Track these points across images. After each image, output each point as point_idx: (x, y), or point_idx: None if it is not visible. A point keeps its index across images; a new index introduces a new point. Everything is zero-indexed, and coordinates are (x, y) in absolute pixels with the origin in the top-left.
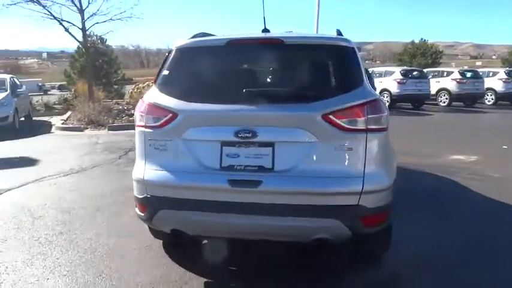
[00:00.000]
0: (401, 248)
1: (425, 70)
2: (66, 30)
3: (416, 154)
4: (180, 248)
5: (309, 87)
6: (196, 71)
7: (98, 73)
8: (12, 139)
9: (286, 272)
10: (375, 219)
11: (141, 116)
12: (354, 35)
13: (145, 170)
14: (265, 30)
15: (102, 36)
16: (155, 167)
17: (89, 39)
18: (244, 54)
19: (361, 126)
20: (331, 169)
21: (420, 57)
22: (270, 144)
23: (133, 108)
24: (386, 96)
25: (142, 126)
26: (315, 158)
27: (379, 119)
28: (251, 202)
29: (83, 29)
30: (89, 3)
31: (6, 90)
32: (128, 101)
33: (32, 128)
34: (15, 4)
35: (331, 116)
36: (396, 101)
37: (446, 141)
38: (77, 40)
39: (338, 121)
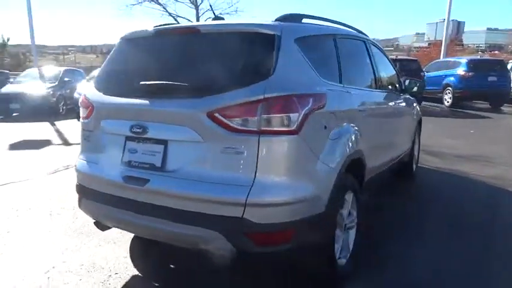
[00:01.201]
0: None
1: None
2: (170, 14)
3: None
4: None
5: (207, 80)
6: (120, 63)
7: None
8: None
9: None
10: (266, 238)
11: (80, 107)
12: None
13: (77, 159)
14: (216, 18)
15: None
16: (82, 156)
17: None
18: (162, 45)
19: (252, 127)
20: (215, 174)
21: None
22: (163, 142)
23: None
24: (449, 93)
25: (81, 117)
26: (200, 160)
27: (280, 120)
28: (141, 201)
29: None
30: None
31: (55, 82)
32: None
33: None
34: (138, 4)
35: (216, 114)
36: (460, 99)
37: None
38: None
39: (225, 120)
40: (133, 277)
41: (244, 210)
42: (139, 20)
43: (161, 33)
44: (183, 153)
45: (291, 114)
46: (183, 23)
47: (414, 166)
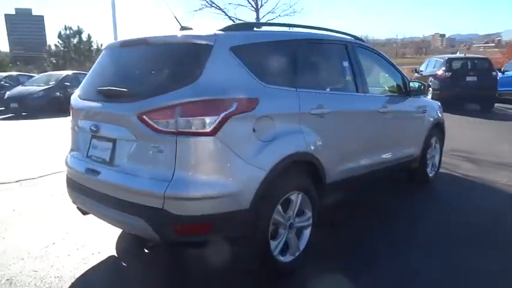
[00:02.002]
0: None
1: None
2: (230, 18)
3: None
4: None
5: (144, 86)
6: (96, 69)
7: None
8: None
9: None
10: (185, 229)
11: None
12: None
13: (67, 154)
14: (183, 28)
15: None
16: (69, 151)
17: None
18: (121, 55)
19: (171, 128)
20: (145, 169)
21: None
22: (112, 140)
23: None
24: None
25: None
26: (135, 156)
27: (195, 122)
28: (97, 191)
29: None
30: (262, 3)
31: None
32: None
33: None
34: (200, 10)
35: (145, 116)
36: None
37: None
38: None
39: (150, 122)
40: (110, 256)
41: (163, 203)
42: (207, 23)
43: (123, 44)
44: (124, 150)
45: (206, 118)
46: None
47: (432, 173)
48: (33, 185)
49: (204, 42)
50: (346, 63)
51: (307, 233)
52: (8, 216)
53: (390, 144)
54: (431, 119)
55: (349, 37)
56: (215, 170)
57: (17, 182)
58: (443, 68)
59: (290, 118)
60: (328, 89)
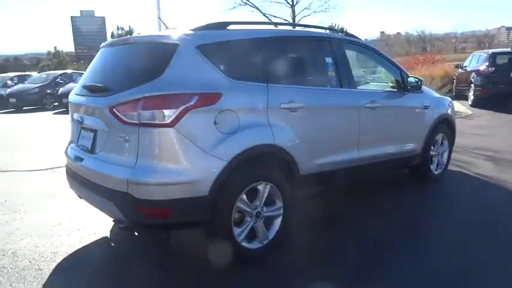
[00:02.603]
0: None
1: None
2: (276, 26)
3: None
4: None
5: (117, 82)
6: (91, 67)
7: None
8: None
9: None
10: (147, 211)
11: None
12: None
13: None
14: (168, 29)
15: (342, 27)
16: (69, 141)
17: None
18: (109, 53)
19: (134, 120)
20: (114, 156)
21: None
22: (93, 131)
23: None
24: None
25: None
26: (109, 145)
27: (154, 115)
28: (82, 176)
29: (293, 24)
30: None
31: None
32: None
33: None
34: (234, 8)
35: (114, 109)
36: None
37: None
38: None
39: (119, 114)
40: (103, 238)
41: (127, 187)
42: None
43: (111, 44)
44: (101, 140)
45: (166, 110)
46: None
47: (438, 170)
48: (59, 172)
49: (171, 41)
50: (328, 59)
51: (277, 222)
52: (30, 199)
53: (382, 139)
54: (436, 115)
55: (337, 34)
56: (174, 159)
57: (45, 169)
58: (487, 63)
59: (256, 112)
60: (303, 85)
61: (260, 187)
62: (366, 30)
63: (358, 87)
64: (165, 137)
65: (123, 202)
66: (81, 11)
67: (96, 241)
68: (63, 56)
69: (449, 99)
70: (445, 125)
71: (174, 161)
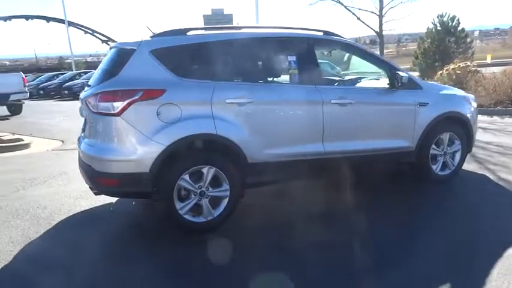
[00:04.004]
0: None
1: None
2: (358, 18)
3: None
4: None
5: (95, 79)
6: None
7: (446, 53)
8: None
9: None
10: (101, 181)
11: None
12: None
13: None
14: (154, 35)
15: (454, 16)
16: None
17: (440, 19)
18: (107, 55)
19: (95, 110)
20: (88, 138)
21: None
22: (85, 119)
23: None
24: None
25: None
26: (87, 129)
27: (107, 106)
28: (79, 156)
29: (380, 16)
30: None
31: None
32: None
33: None
34: (315, 3)
35: (86, 101)
36: None
37: None
38: (370, 27)
39: (89, 105)
40: (108, 203)
41: (91, 162)
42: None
43: (109, 47)
44: (87, 126)
45: (115, 103)
46: (364, 15)
47: (445, 171)
48: None
49: (131, 47)
50: (290, 58)
51: (224, 202)
52: (71, 171)
53: (357, 134)
54: (437, 113)
55: (308, 33)
56: (121, 141)
57: None
58: None
59: (200, 105)
60: (255, 82)
61: (204, 170)
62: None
63: (334, 84)
64: (114, 123)
65: (89, 173)
66: (212, 9)
67: (102, 206)
68: None
69: (469, 96)
70: (454, 124)
71: (122, 143)
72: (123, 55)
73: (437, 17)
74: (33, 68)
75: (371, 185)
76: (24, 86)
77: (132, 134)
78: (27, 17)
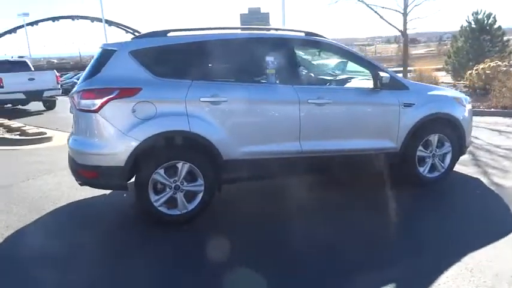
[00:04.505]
0: None
1: None
2: (381, 17)
3: None
4: None
5: (84, 77)
6: None
7: (480, 52)
8: None
9: None
10: (82, 173)
11: None
12: None
13: None
14: (135, 36)
15: (490, 13)
16: None
17: (475, 16)
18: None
19: (78, 107)
20: (75, 132)
21: None
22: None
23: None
24: None
25: None
26: (75, 125)
27: (87, 103)
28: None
29: (404, 14)
30: None
31: None
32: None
33: None
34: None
35: (72, 98)
36: None
37: None
38: (393, 26)
39: (74, 102)
40: (108, 193)
41: (74, 154)
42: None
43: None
44: (74, 122)
45: (93, 100)
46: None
47: (434, 174)
48: None
49: (112, 48)
50: (268, 58)
51: (199, 196)
52: None
53: (335, 134)
54: (423, 114)
55: (288, 34)
56: (98, 136)
57: None
58: None
59: (174, 103)
60: (231, 81)
61: (179, 165)
62: None
63: (325, 84)
64: (93, 119)
65: (73, 166)
66: (249, 8)
67: (100, 195)
68: None
69: (463, 97)
70: (444, 125)
71: (99, 138)
72: (106, 55)
73: (472, 15)
74: (78, 66)
75: (353, 184)
76: (57, 83)
77: (109, 129)
78: (73, 17)
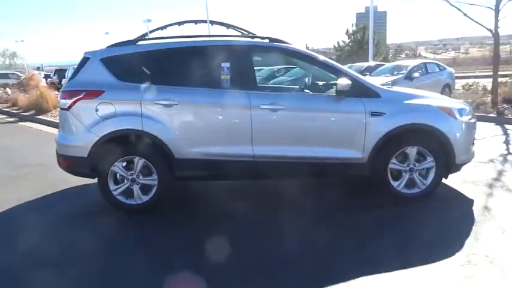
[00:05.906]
0: None
1: None
2: (465, 15)
3: None
4: None
5: (69, 79)
6: None
7: None
8: None
9: None
10: (60, 161)
11: None
12: None
13: None
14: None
15: None
16: None
17: None
18: None
19: (59, 105)
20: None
21: None
22: None
23: None
24: None
25: None
26: (59, 121)
27: (63, 103)
28: None
29: (496, 10)
30: None
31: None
32: None
33: None
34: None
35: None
36: None
37: None
38: (481, 25)
39: (59, 101)
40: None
41: (56, 146)
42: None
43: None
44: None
45: (67, 100)
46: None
47: (413, 190)
48: None
49: (88, 56)
50: (223, 64)
51: (154, 189)
52: None
53: (290, 141)
54: (396, 124)
55: (248, 40)
56: (70, 131)
57: None
58: None
59: (131, 105)
60: (184, 86)
61: (135, 160)
62: None
63: (275, 91)
64: (66, 116)
65: (56, 155)
66: (365, 7)
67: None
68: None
69: (455, 108)
70: (424, 137)
71: (70, 132)
72: (83, 62)
73: None
74: None
75: (324, 193)
76: None
77: (77, 125)
78: (179, 23)
